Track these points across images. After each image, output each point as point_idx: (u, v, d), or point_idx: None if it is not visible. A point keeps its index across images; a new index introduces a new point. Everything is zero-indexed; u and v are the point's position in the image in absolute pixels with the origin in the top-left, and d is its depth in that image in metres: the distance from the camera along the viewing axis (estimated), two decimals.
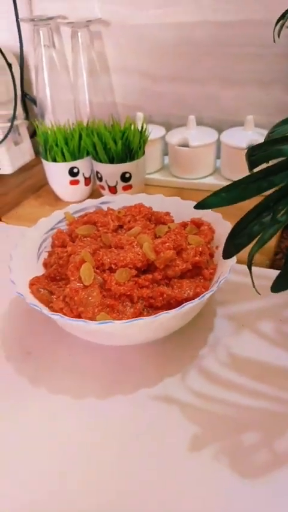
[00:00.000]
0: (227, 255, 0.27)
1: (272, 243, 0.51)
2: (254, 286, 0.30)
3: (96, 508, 0.28)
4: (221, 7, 0.60)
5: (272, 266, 0.48)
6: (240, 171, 0.61)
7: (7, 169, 0.75)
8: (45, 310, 0.33)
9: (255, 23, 0.58)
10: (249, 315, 0.42)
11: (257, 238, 0.25)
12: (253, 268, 0.29)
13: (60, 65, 0.72)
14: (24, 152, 0.78)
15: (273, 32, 0.43)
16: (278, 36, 0.43)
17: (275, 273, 0.29)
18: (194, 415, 0.33)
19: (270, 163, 0.25)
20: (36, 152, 0.81)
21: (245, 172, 0.60)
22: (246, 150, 0.56)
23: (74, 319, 0.32)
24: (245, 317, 0.41)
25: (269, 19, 0.52)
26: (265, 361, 0.37)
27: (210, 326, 0.41)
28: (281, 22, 0.41)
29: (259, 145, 0.26)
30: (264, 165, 0.25)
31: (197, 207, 0.27)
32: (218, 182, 0.63)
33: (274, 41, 0.45)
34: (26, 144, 0.79)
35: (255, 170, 0.25)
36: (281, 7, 0.48)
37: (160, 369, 0.37)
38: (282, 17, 0.39)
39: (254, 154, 0.26)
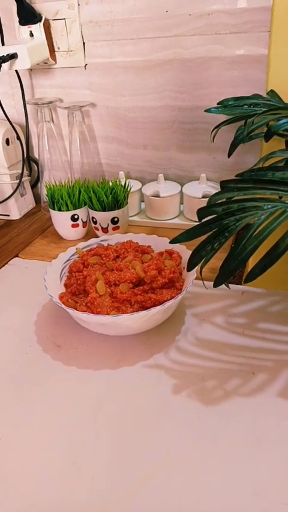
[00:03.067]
0: (189, 268, 0.46)
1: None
2: (203, 284, 0.49)
3: (116, 439, 0.47)
4: (178, 96, 0.82)
5: None
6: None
7: (15, 215, 0.95)
8: (76, 312, 0.52)
9: (202, 107, 0.81)
10: (207, 313, 0.61)
11: (204, 259, 0.45)
12: (206, 282, 0.49)
13: (57, 134, 0.93)
14: (28, 202, 0.98)
15: (210, 135, 0.65)
16: (213, 140, 0.65)
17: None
18: (174, 374, 0.52)
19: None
20: (37, 201, 1.00)
21: None
22: (201, 199, 0.77)
23: (98, 315, 0.51)
24: (205, 314, 0.61)
25: (212, 105, 0.74)
26: (219, 340, 0.57)
27: (182, 321, 0.60)
28: (215, 130, 0.63)
29: (203, 208, 0.46)
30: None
31: (171, 242, 0.47)
32: (182, 222, 0.84)
33: (212, 141, 0.68)
34: (29, 195, 0.98)
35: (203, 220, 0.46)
36: (221, 97, 0.70)
37: (151, 349, 0.56)
38: (217, 127, 0.61)
39: (201, 212, 0.46)
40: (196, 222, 0.83)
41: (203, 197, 0.80)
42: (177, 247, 0.64)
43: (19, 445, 0.46)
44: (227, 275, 0.43)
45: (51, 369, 0.55)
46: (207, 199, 0.80)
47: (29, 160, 0.99)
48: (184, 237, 0.46)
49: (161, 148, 0.88)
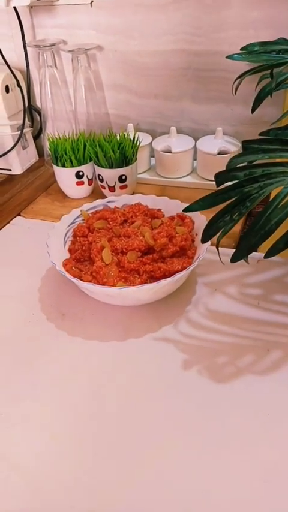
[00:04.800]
0: (203, 240, 0.42)
1: (237, 229, 0.67)
2: (220, 259, 0.45)
3: (116, 410, 0.44)
4: (194, 39, 0.74)
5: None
6: (212, 171, 0.77)
7: (17, 170, 0.89)
8: (81, 282, 0.49)
9: (220, 53, 0.73)
10: (220, 282, 0.58)
11: (221, 230, 0.40)
12: (222, 248, 0.45)
13: (61, 81, 0.86)
14: (31, 155, 0.92)
15: (232, 86, 0.58)
16: (235, 92, 0.59)
17: None
18: (183, 348, 0.50)
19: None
20: (40, 154, 0.95)
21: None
22: (216, 156, 0.72)
23: (104, 286, 0.48)
24: (217, 284, 0.58)
25: (232, 51, 0.67)
26: (231, 312, 0.53)
27: (193, 290, 0.57)
28: (238, 80, 0.56)
29: (223, 172, 0.41)
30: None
31: (185, 211, 0.43)
32: (194, 181, 0.79)
33: (233, 93, 0.61)
34: (32, 148, 0.92)
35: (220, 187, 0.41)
36: (242, 41, 0.63)
37: (159, 320, 0.53)
38: (240, 77, 0.54)
39: (219, 177, 0.41)
40: (210, 180, 0.79)
41: (219, 154, 0.74)
42: None
43: (20, 420, 0.44)
44: (247, 250, 0.39)
45: (55, 339, 0.52)
46: (223, 156, 0.75)
47: (31, 110, 0.92)
48: (199, 205, 0.41)
49: (174, 98, 0.81)
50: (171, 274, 0.51)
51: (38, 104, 0.92)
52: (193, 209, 0.42)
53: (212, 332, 0.51)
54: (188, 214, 0.59)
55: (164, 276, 0.51)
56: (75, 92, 0.84)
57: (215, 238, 0.42)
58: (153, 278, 0.52)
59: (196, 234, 0.57)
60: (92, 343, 0.51)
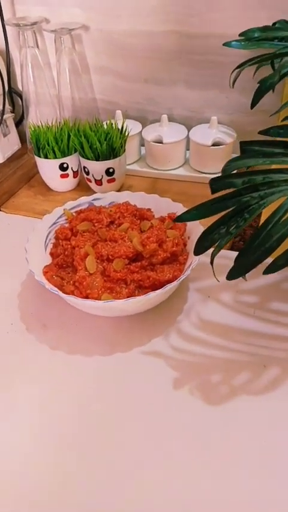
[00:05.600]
0: (197, 252, 0.38)
1: None
2: (215, 276, 0.41)
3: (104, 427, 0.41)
4: (186, 19, 0.68)
5: (231, 248, 0.61)
6: (206, 164, 0.73)
7: None
8: (62, 294, 0.44)
9: (215, 36, 0.67)
10: (213, 288, 0.54)
11: (216, 243, 0.36)
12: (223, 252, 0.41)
13: (44, 63, 0.80)
14: (12, 142, 0.86)
15: (229, 77, 0.53)
16: (233, 85, 0.54)
17: (234, 254, 0.39)
18: (174, 364, 0.46)
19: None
20: (22, 142, 0.89)
21: (210, 166, 0.71)
22: (210, 147, 0.67)
23: (86, 299, 0.44)
24: (210, 290, 0.54)
25: (228, 34, 0.61)
26: (226, 323, 0.50)
27: (185, 298, 0.53)
28: (236, 71, 0.51)
29: (218, 178, 0.37)
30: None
31: (176, 220, 0.38)
32: (187, 173, 0.74)
33: (230, 86, 0.56)
34: (13, 135, 0.86)
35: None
36: (239, 23, 0.58)
37: (148, 332, 0.49)
38: (239, 67, 0.49)
39: (215, 183, 0.37)
40: (204, 173, 0.74)
41: (213, 145, 0.70)
42: (181, 211, 0.55)
43: None
44: (245, 269, 0.35)
45: (36, 353, 0.48)
46: (218, 147, 0.70)
47: (11, 94, 0.86)
48: (193, 214, 0.37)
49: (165, 83, 0.76)
50: (161, 283, 0.47)
51: (20, 87, 0.86)
52: (186, 219, 0.37)
53: (204, 345, 0.48)
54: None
55: (154, 286, 0.47)
56: (59, 75, 0.78)
57: None
58: (141, 288, 0.48)
59: (188, 237, 0.53)
60: (75, 358, 0.47)
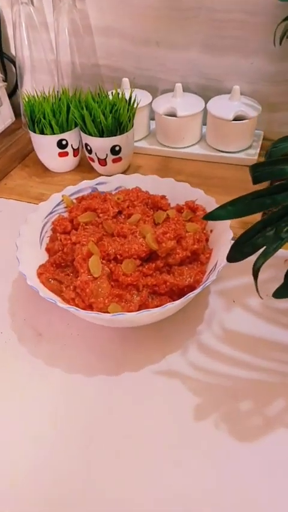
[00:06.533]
0: (232, 259, 0.30)
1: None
2: (259, 294, 0.32)
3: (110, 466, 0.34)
4: None
5: None
6: (226, 141, 0.63)
7: None
8: (61, 303, 0.36)
9: None
10: (239, 291, 0.46)
11: (262, 250, 0.28)
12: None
13: (39, 23, 0.69)
14: (5, 116, 0.77)
15: (274, 34, 0.43)
16: (280, 43, 0.44)
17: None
18: (195, 386, 0.38)
19: None
20: (16, 114, 0.79)
21: (230, 143, 0.62)
22: (232, 122, 0.58)
23: (90, 312, 0.36)
24: (236, 293, 0.46)
25: None
26: (256, 335, 0.42)
27: (205, 303, 0.45)
28: (285, 23, 0.41)
29: (262, 163, 0.28)
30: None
31: (205, 218, 0.30)
32: (204, 151, 0.65)
33: (274, 44, 0.46)
34: (6, 107, 0.77)
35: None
36: None
37: (162, 347, 0.41)
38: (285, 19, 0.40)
39: (258, 170, 0.28)
40: (223, 152, 0.64)
41: (236, 119, 0.60)
42: (202, 198, 0.46)
43: None
44: None
45: (29, 369, 0.40)
46: (241, 122, 0.61)
47: (3, 59, 0.75)
48: (228, 211, 0.29)
49: (180, 46, 0.65)
50: (180, 289, 0.39)
51: (13, 51, 0.75)
52: (220, 216, 0.29)
53: (231, 363, 0.40)
54: (200, 203, 0.46)
55: (171, 292, 0.39)
56: (58, 37, 0.68)
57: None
58: (156, 294, 0.39)
59: (211, 231, 0.44)
60: (75, 379, 0.39)
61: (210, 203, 0.45)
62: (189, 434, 0.35)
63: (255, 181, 0.28)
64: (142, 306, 0.38)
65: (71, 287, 0.39)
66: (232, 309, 0.44)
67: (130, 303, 0.38)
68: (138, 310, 0.37)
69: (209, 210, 0.45)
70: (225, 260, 0.38)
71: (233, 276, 0.46)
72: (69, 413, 0.37)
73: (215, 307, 0.45)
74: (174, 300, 0.39)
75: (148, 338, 0.42)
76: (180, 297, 0.37)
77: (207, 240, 0.44)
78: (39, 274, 0.41)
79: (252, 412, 0.36)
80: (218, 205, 0.43)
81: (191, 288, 0.39)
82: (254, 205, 0.28)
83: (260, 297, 0.33)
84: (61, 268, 0.42)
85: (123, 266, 0.38)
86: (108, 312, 0.36)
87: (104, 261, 0.39)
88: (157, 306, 0.38)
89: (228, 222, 0.41)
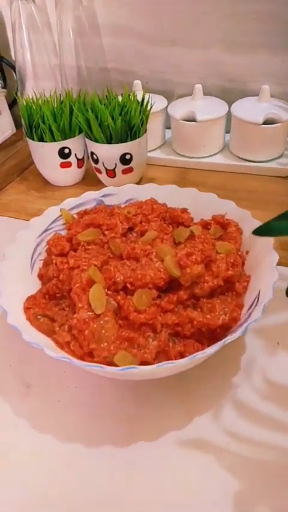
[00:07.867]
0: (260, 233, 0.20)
1: None
2: None
3: None
4: None
5: None
6: (255, 148, 0.54)
7: None
8: (50, 352, 0.27)
9: None
10: (285, 330, 0.36)
11: None
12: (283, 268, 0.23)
13: (42, 23, 0.62)
14: (4, 126, 0.70)
15: None
16: None
17: None
18: (232, 463, 0.28)
19: None
20: (17, 125, 0.72)
21: (259, 151, 0.53)
22: (262, 126, 0.49)
23: (90, 363, 0.26)
24: (280, 332, 0.36)
25: None
26: None
27: (241, 345, 0.35)
28: None
29: None
30: None
31: (257, 232, 0.20)
32: (228, 162, 0.56)
33: None
34: (6, 116, 0.70)
35: None
36: None
37: (187, 406, 0.31)
38: None
39: None
40: (251, 161, 0.55)
41: (266, 123, 0.51)
42: (232, 212, 0.37)
43: None
44: None
45: (12, 433, 0.31)
46: (272, 126, 0.52)
47: (2, 64, 0.68)
48: (286, 225, 0.19)
49: (199, 44, 0.58)
50: (210, 330, 0.29)
51: (12, 56, 0.68)
52: (275, 230, 0.19)
53: (278, 428, 0.30)
54: (231, 216, 0.37)
55: (199, 333, 0.29)
56: (61, 39, 0.61)
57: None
58: (178, 335, 0.30)
59: (247, 252, 0.35)
60: (71, 449, 0.29)
61: (245, 218, 0.36)
62: None
63: None
64: (161, 353, 0.28)
65: (66, 327, 0.29)
66: (276, 353, 0.34)
67: (145, 350, 0.28)
68: (155, 358, 0.28)
69: (243, 225, 0.36)
70: (271, 291, 0.28)
71: (276, 311, 0.36)
72: (62, 498, 0.27)
73: (253, 351, 0.34)
74: (202, 343, 0.29)
75: (168, 395, 0.32)
76: (211, 340, 0.28)
77: (243, 263, 0.34)
78: (26, 309, 0.31)
79: None
80: (255, 220, 0.34)
81: (226, 327, 0.29)
82: None
83: None
84: (56, 300, 0.33)
85: (135, 299, 0.29)
86: (114, 363, 0.26)
87: (109, 292, 0.30)
88: (180, 353, 0.28)
89: (271, 241, 0.32)
